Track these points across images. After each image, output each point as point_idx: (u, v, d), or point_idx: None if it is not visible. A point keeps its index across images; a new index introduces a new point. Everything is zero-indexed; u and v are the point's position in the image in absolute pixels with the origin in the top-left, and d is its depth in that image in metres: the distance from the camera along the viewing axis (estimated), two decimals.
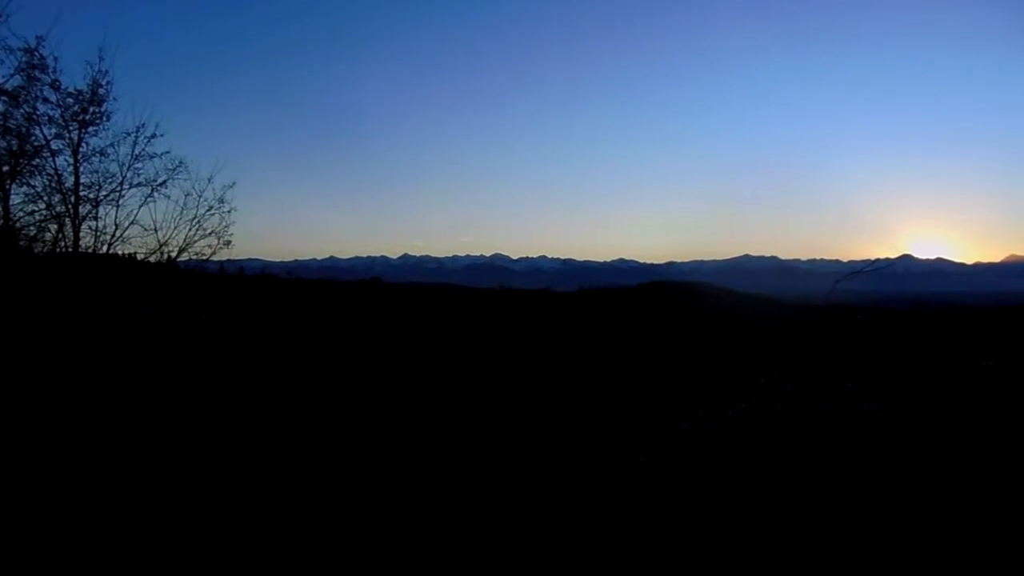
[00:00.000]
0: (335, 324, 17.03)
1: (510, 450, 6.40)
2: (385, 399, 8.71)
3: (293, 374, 10.33)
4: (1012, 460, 5.25)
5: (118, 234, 10.61)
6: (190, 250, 11.27)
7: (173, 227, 11.09)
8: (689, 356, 12.11)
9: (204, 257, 11.48)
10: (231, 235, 11.38)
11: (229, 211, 11.30)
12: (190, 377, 9.32)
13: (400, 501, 5.06)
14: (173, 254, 11.20)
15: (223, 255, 11.61)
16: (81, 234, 10.37)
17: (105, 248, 10.55)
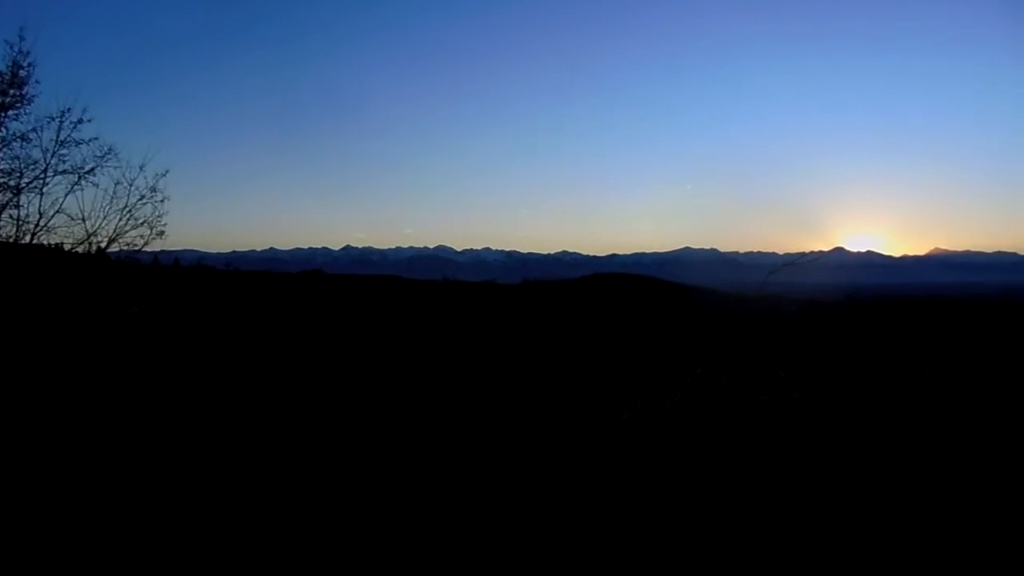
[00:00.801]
0: (276, 315, 16.72)
1: (452, 441, 6.40)
2: (330, 392, 8.59)
3: (231, 368, 10.10)
4: (929, 441, 5.51)
5: (42, 223, 10.17)
6: (121, 240, 10.89)
7: (102, 216, 10.70)
8: (630, 347, 12.30)
9: (136, 248, 11.11)
10: (165, 225, 11.06)
11: (162, 200, 10.97)
12: (121, 371, 9.02)
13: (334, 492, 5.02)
14: (103, 244, 10.81)
15: (156, 246, 11.27)
16: (1, 223, 9.92)
17: (28, 238, 10.10)
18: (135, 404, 7.51)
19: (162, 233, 11.00)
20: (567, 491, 4.94)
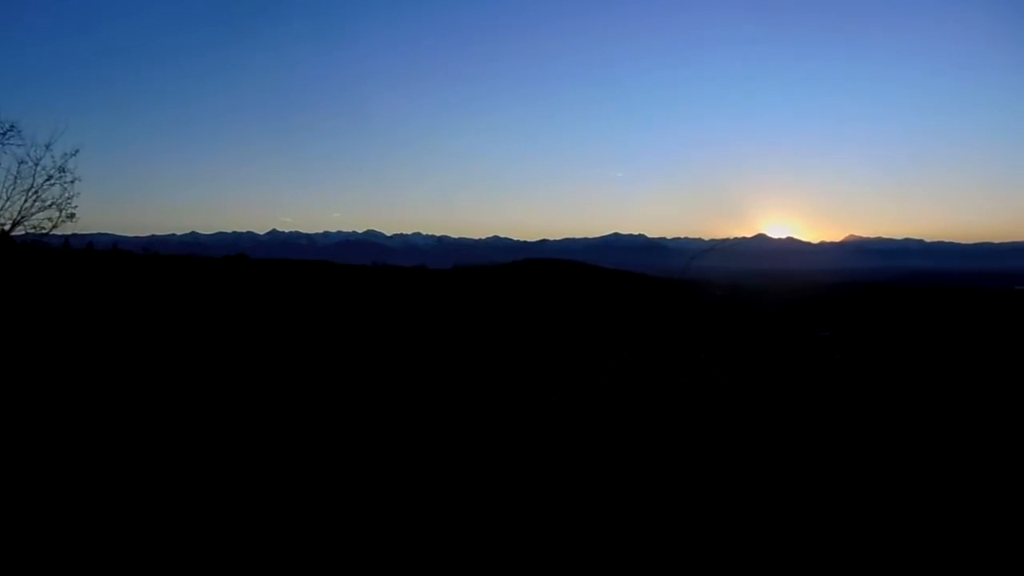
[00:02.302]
0: (197, 302, 16.19)
1: (375, 426, 6.35)
2: (254, 379, 8.39)
3: (148, 355, 9.73)
4: (838, 417, 5.80)
5: None
6: (27, 223, 10.36)
7: (6, 198, 10.15)
8: (561, 332, 12.44)
9: (44, 231, 10.59)
10: (75, 207, 10.56)
11: (72, 181, 10.46)
12: (27, 360, 8.57)
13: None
14: (6, 227, 10.25)
15: (67, 229, 10.76)
16: None
17: None
18: (39, 393, 7.17)
19: (72, 216, 10.52)
20: (494, 475, 4.98)
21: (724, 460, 5.05)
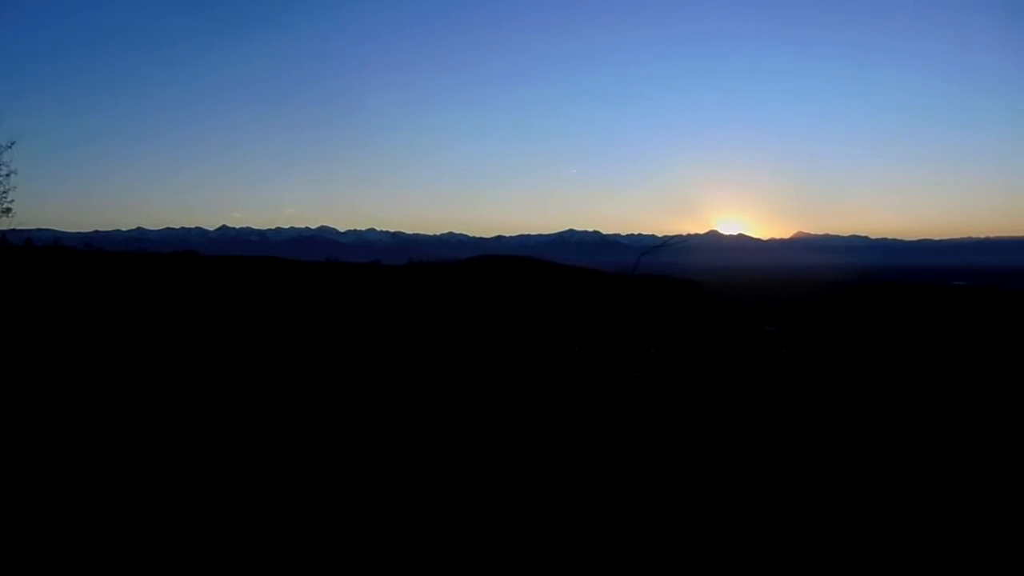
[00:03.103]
0: (142, 299, 15.78)
1: (329, 425, 6.30)
2: (200, 378, 8.23)
3: (88, 355, 9.46)
4: (784, 409, 5.97)
5: None
6: None
7: None
8: (515, 328, 12.49)
9: None
10: (12, 201, 10.21)
11: (8, 175, 10.11)
12: None
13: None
14: None
15: (3, 224, 10.39)
16: None
17: None
18: None
19: (8, 210, 10.15)
20: (443, 472, 4.99)
21: (671, 453, 5.15)
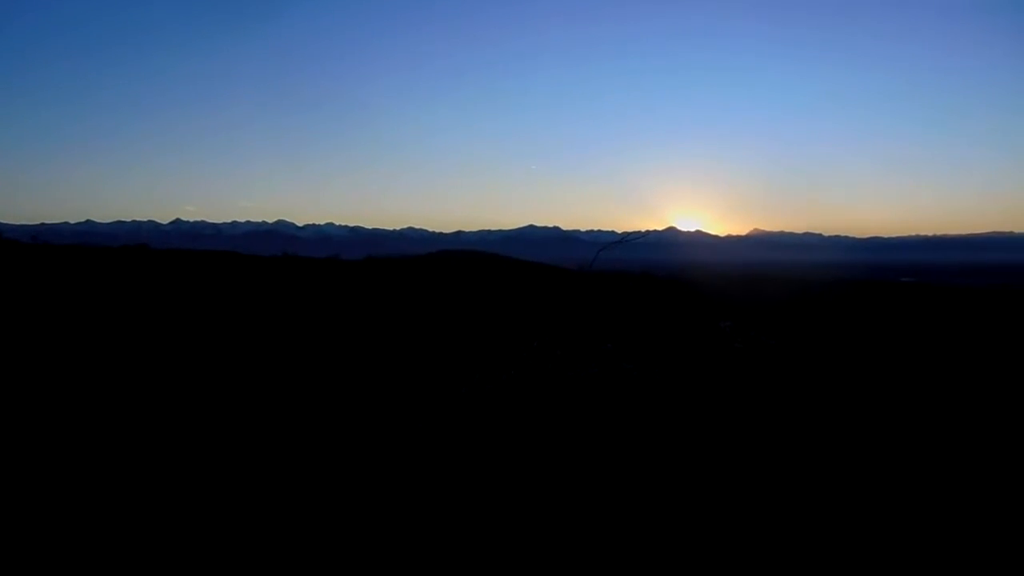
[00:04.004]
0: (92, 293, 15.36)
1: (286, 421, 6.24)
2: (147, 377, 8.06)
3: (32, 354, 9.19)
4: (738, 402, 6.10)
5: None
6: None
7: None
8: (475, 323, 12.50)
9: None
10: None
11: None
12: None
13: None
14: None
15: None
16: None
17: None
18: None
19: None
20: (397, 469, 4.99)
21: (627, 446, 5.23)
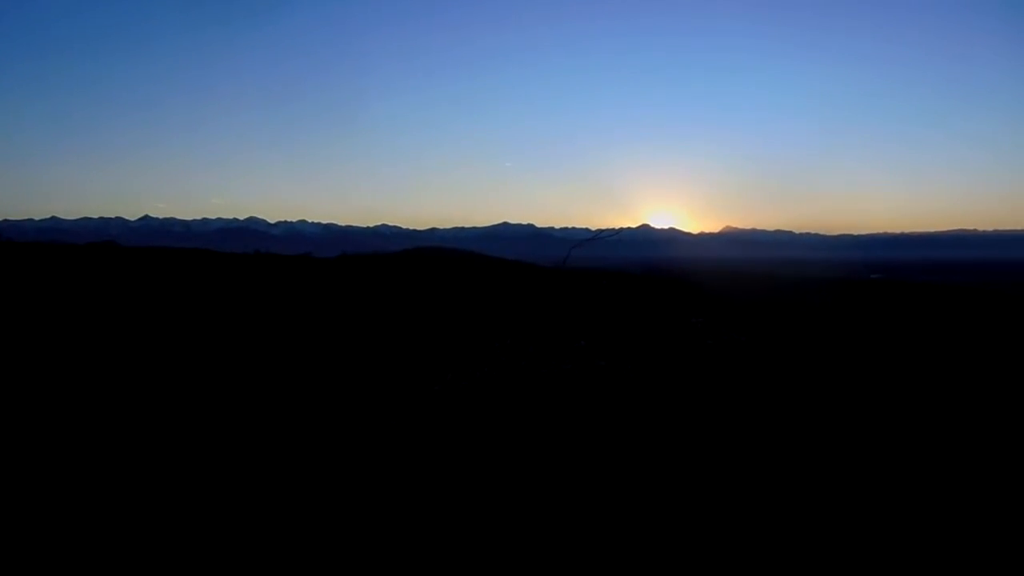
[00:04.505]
0: (56, 291, 15.07)
1: (257, 420, 6.18)
2: (120, 378, 7.94)
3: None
4: (710, 398, 6.17)
5: None
6: None
7: None
8: (449, 321, 12.48)
9: None
10: None
11: None
12: None
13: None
14: None
15: None
16: None
17: None
18: None
19: None
20: (374, 466, 4.97)
21: (600, 441, 5.27)
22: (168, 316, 12.78)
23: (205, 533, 4.09)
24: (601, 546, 3.93)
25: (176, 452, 5.30)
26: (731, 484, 4.70)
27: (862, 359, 8.97)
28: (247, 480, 4.78)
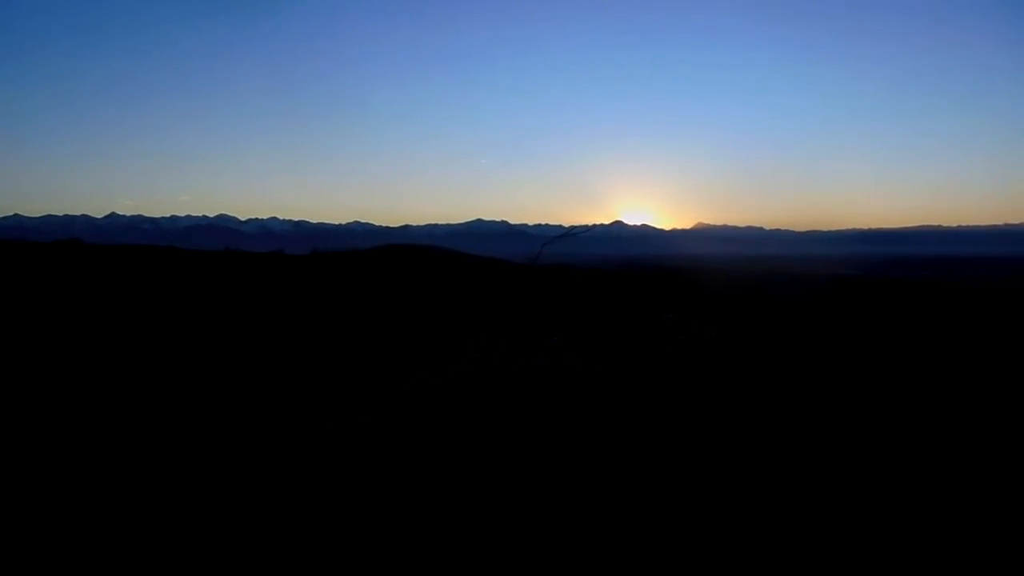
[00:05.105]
0: (18, 292, 14.77)
1: (228, 417, 6.13)
2: (86, 379, 7.82)
3: None
4: (681, 395, 6.25)
5: None
6: None
7: None
8: (423, 318, 12.46)
9: None
10: None
11: None
12: None
13: None
14: None
15: None
16: None
17: None
18: None
19: None
20: (345, 465, 4.97)
21: (572, 436, 5.31)
22: (136, 316, 12.60)
23: (161, 531, 4.06)
24: (573, 541, 3.97)
25: (147, 452, 5.24)
26: (700, 476, 4.77)
27: (829, 353, 9.14)
28: (215, 480, 4.74)
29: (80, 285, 16.91)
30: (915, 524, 4.22)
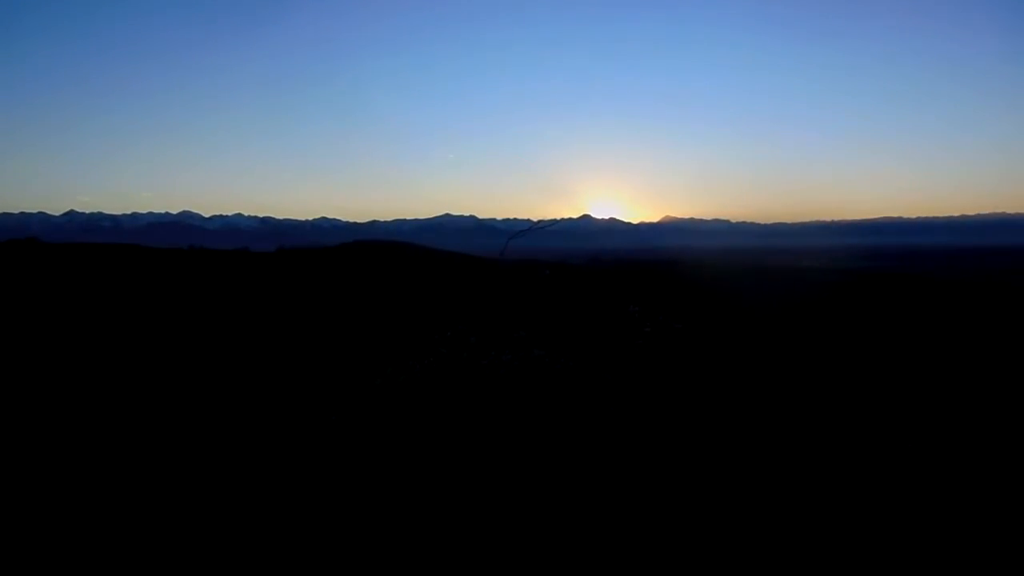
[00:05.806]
0: None
1: (187, 417, 6.06)
2: (40, 378, 7.64)
3: None
4: (646, 386, 6.32)
5: None
6: None
7: None
8: (390, 314, 12.40)
9: None
10: None
11: None
12: None
13: None
14: None
15: None
16: None
17: None
18: None
19: None
20: (314, 461, 4.94)
21: (539, 429, 5.34)
22: (95, 316, 12.35)
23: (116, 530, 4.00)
24: (538, 530, 3.99)
25: (105, 451, 5.15)
26: (662, 464, 4.83)
27: (792, 343, 9.29)
28: (172, 477, 4.68)
29: (37, 284, 16.50)
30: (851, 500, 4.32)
